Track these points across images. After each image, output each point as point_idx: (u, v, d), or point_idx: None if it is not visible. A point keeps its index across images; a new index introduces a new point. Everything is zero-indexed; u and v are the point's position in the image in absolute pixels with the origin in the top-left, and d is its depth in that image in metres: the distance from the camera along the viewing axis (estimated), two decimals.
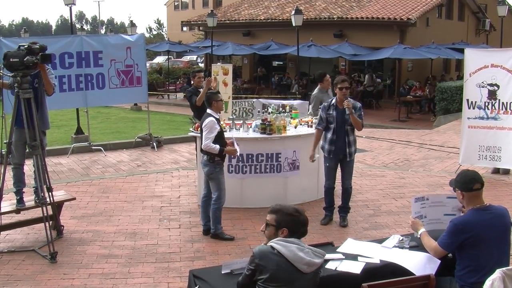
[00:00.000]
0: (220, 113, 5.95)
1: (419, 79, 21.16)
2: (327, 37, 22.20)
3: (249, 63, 27.77)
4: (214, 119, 5.58)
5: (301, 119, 7.57)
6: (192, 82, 8.35)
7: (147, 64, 25.60)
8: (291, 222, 2.98)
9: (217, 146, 5.53)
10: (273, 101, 9.36)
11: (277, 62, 28.57)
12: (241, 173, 6.80)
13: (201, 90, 7.68)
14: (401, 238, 3.78)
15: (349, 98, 5.95)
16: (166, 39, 33.88)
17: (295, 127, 7.21)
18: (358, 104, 6.06)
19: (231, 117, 7.47)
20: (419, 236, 3.65)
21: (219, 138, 5.61)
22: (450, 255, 3.50)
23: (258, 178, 6.68)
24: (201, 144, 5.62)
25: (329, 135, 6.08)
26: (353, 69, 24.50)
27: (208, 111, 5.70)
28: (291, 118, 7.55)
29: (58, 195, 6.03)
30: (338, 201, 6.70)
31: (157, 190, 7.80)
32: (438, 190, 7.80)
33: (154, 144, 11.08)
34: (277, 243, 2.90)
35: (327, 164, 6.22)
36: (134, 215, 6.65)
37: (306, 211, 6.65)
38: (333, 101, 6.11)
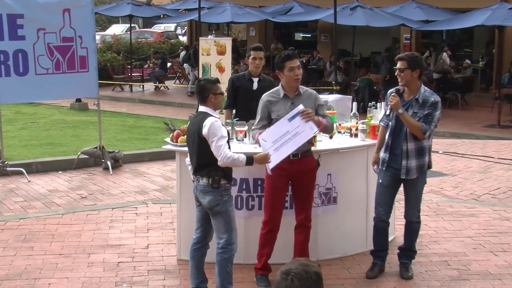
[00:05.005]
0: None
1: None
2: None
3: (259, 35, 27.94)
4: (217, 119, 5.72)
5: (339, 124, 7.55)
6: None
7: (97, 37, 25.82)
8: None
9: (242, 155, 5.69)
10: None
11: (302, 35, 28.75)
12: (246, 208, 6.78)
13: (255, 79, 7.67)
14: None
15: (395, 93, 6.27)
16: None
17: (331, 137, 7.20)
18: (432, 98, 6.27)
19: (230, 120, 7.45)
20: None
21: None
22: None
23: (287, 216, 6.62)
24: (212, 158, 5.68)
25: (386, 137, 6.49)
26: (424, 44, 24.51)
27: (203, 109, 5.82)
28: None
29: None
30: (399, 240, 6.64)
31: (112, 237, 7.80)
32: None
33: (108, 163, 11.11)
34: None
35: (380, 181, 6.54)
36: (74, 276, 6.63)
37: (349, 268, 6.74)
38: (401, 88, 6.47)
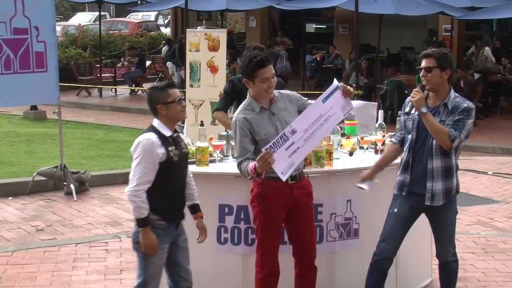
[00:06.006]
0: (180, 125, 5.99)
1: None
2: None
3: (261, 27, 27.99)
4: (153, 137, 5.62)
5: (362, 138, 7.57)
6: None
7: (58, 29, 25.80)
8: None
9: (146, 210, 5.57)
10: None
11: (315, 26, 28.77)
12: (244, 243, 6.79)
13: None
14: None
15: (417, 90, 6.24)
16: None
17: (351, 154, 7.23)
18: (465, 104, 6.24)
19: (225, 133, 7.47)
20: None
21: (164, 176, 5.63)
22: None
23: (278, 254, 6.64)
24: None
25: (404, 154, 6.43)
26: (468, 37, 24.51)
27: (154, 122, 5.77)
28: (343, 135, 7.57)
29: None
30: None
31: (76, 279, 7.79)
32: None
33: (72, 186, 11.10)
34: None
35: (395, 210, 6.45)
36: None
37: None
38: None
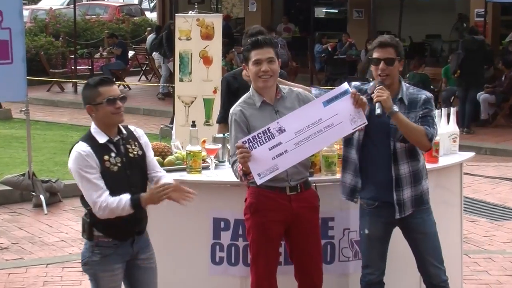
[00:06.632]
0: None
1: None
2: None
3: (262, 11, 28.03)
4: (83, 148, 5.51)
5: None
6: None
7: (26, 13, 25.79)
8: None
9: (124, 199, 5.45)
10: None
11: (325, 10, 28.78)
12: (243, 263, 6.80)
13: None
14: None
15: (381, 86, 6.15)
16: None
17: None
18: (423, 95, 6.29)
19: (221, 135, 7.48)
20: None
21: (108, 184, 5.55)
22: None
23: (282, 276, 6.61)
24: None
25: (351, 153, 6.40)
26: (505, 23, 24.51)
27: (92, 127, 5.65)
28: None
29: None
30: None
31: None
32: None
33: (42, 197, 11.10)
34: None
35: (366, 231, 6.42)
36: None
37: None
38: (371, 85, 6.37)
